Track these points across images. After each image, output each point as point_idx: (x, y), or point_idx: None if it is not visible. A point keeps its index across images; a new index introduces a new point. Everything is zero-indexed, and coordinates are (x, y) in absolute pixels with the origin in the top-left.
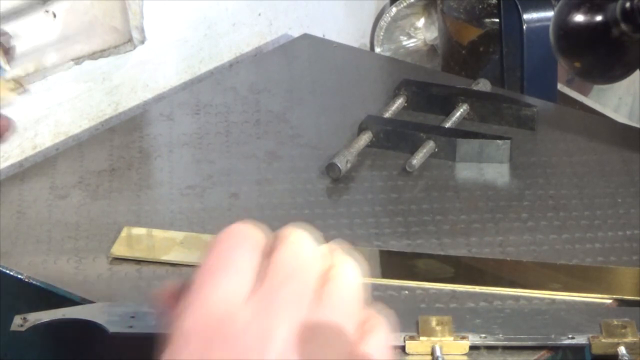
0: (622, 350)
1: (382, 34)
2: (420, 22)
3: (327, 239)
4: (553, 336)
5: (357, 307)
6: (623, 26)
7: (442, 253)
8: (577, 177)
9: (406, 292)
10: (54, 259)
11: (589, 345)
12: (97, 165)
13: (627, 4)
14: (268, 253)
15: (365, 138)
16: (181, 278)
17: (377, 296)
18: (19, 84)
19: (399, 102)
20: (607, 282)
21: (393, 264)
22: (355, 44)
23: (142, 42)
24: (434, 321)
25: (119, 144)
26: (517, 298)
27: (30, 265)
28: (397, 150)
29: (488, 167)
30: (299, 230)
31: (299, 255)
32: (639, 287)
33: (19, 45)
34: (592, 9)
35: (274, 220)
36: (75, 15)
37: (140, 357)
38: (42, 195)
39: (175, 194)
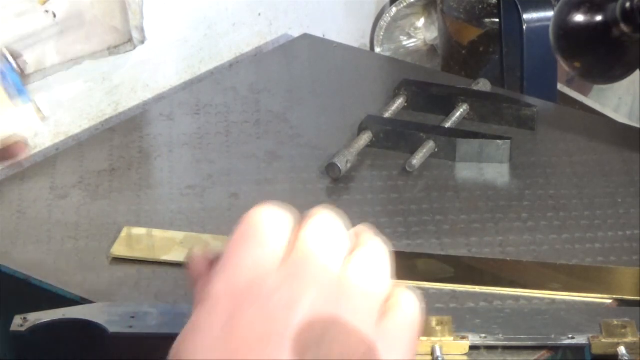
0: (622, 350)
1: (382, 34)
2: (420, 22)
3: None
4: (553, 336)
5: (383, 281)
6: (623, 26)
7: (442, 253)
8: (577, 177)
9: None
10: (54, 259)
11: (589, 345)
12: (97, 165)
13: (627, 4)
14: (297, 229)
15: (365, 138)
16: (215, 248)
17: None
18: (40, 111)
19: (399, 102)
20: (607, 282)
21: (393, 264)
22: (355, 44)
23: (142, 42)
24: (434, 321)
25: (119, 144)
26: (517, 298)
27: (30, 265)
28: (397, 150)
29: (488, 167)
30: (328, 211)
31: (328, 230)
32: (639, 287)
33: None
34: (592, 9)
35: None
36: (75, 15)
37: (140, 357)
38: (42, 195)
39: (175, 194)
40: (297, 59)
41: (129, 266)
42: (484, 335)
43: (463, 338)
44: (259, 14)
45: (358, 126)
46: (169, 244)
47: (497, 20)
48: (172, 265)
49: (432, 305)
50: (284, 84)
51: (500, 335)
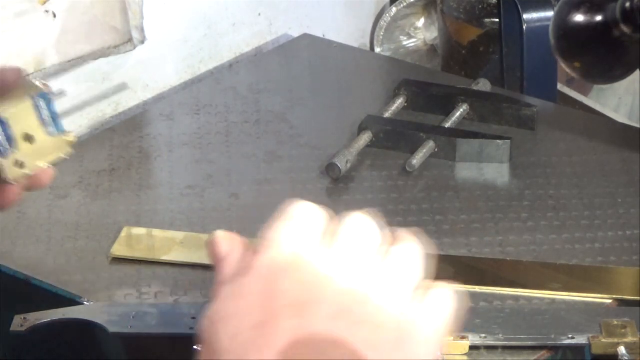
0: (622, 350)
1: (382, 34)
2: (420, 22)
3: None
4: (553, 336)
5: (415, 273)
6: (623, 26)
7: (442, 253)
8: (577, 177)
9: None
10: (54, 259)
11: (589, 345)
12: (97, 165)
13: (627, 4)
14: (333, 223)
15: (365, 138)
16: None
17: None
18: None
19: (399, 102)
20: (607, 282)
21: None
22: (355, 44)
23: (142, 42)
24: None
25: (119, 144)
26: (517, 298)
27: (30, 266)
28: (397, 150)
29: (488, 167)
30: (364, 213)
31: (366, 225)
32: (639, 287)
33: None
34: (592, 9)
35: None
36: (75, 15)
37: (140, 357)
38: (42, 195)
39: (175, 194)
40: (297, 59)
41: (129, 266)
42: (483, 335)
43: (463, 338)
44: (259, 14)
45: (358, 126)
46: (169, 244)
47: (497, 20)
48: (172, 265)
49: None
50: (284, 84)
51: (500, 335)
